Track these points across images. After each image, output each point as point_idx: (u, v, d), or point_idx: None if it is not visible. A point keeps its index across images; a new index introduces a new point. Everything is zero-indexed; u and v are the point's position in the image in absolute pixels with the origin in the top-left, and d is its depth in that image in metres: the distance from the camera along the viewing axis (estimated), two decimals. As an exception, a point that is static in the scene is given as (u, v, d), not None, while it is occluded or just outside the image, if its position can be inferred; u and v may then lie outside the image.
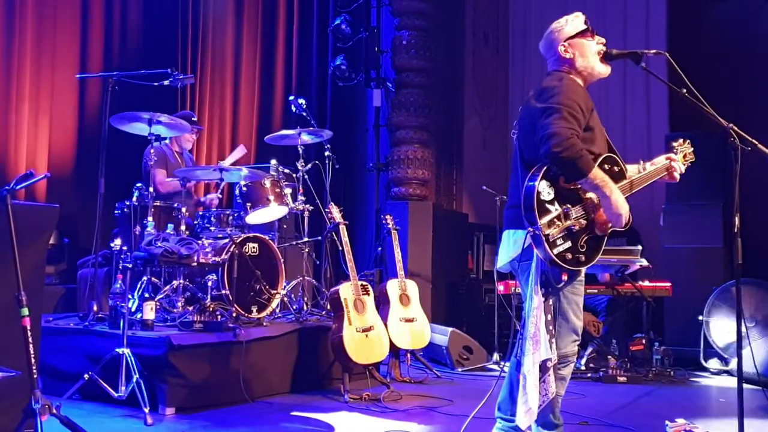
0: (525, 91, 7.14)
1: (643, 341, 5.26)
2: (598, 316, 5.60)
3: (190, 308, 4.33)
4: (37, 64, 5.75)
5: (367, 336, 4.35)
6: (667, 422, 3.46)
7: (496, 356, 5.56)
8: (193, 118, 5.39)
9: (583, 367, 5.13)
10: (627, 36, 6.84)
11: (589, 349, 5.34)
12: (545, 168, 2.54)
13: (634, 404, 4.30)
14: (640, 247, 5.25)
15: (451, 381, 4.98)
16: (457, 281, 6.87)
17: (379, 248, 6.56)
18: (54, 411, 2.53)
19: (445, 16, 7.56)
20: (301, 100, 5.51)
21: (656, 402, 4.42)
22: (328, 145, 5.49)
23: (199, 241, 4.46)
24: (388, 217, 5.40)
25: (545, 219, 2.49)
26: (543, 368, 2.54)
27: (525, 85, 7.50)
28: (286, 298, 4.91)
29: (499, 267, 2.82)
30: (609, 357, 5.14)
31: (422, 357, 5.21)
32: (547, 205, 2.52)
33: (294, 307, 4.97)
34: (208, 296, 4.34)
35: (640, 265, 5.23)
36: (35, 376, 2.52)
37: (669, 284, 5.31)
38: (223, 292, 4.33)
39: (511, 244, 2.68)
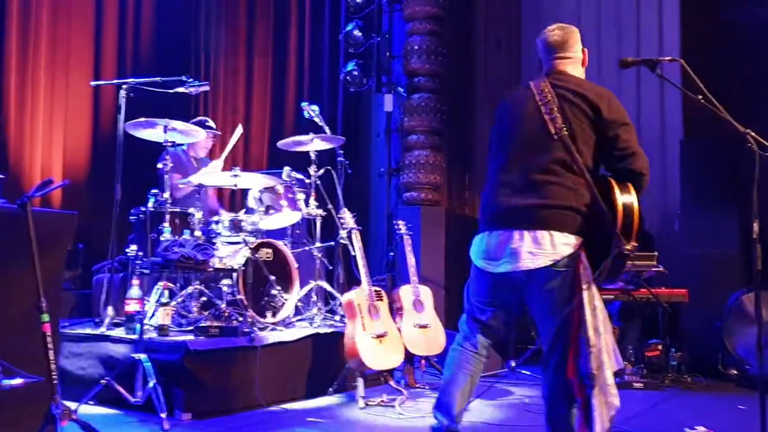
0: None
1: (659, 347, 5.22)
2: (612, 321, 5.57)
3: (206, 313, 4.35)
4: (51, 71, 5.79)
5: (381, 342, 4.34)
6: (686, 429, 3.44)
7: (513, 363, 5.52)
8: (207, 124, 5.40)
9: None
10: (641, 42, 6.81)
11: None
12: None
13: (652, 411, 4.26)
14: (656, 253, 5.23)
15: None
16: (471, 287, 6.83)
17: (391, 253, 6.55)
18: (74, 416, 2.54)
19: (457, 20, 7.56)
20: (314, 106, 5.52)
21: (674, 409, 4.39)
22: (341, 151, 5.50)
23: (214, 246, 4.47)
24: (400, 222, 5.39)
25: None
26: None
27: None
28: (299, 303, 4.92)
29: (530, 267, 2.56)
30: (625, 363, 5.11)
31: (437, 363, 5.19)
32: None
33: (307, 313, 4.97)
34: (224, 301, 4.36)
35: (656, 271, 5.20)
36: (55, 381, 2.53)
37: (685, 290, 5.28)
38: (238, 297, 4.34)
39: (559, 246, 2.53)
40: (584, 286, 2.53)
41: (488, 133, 2.98)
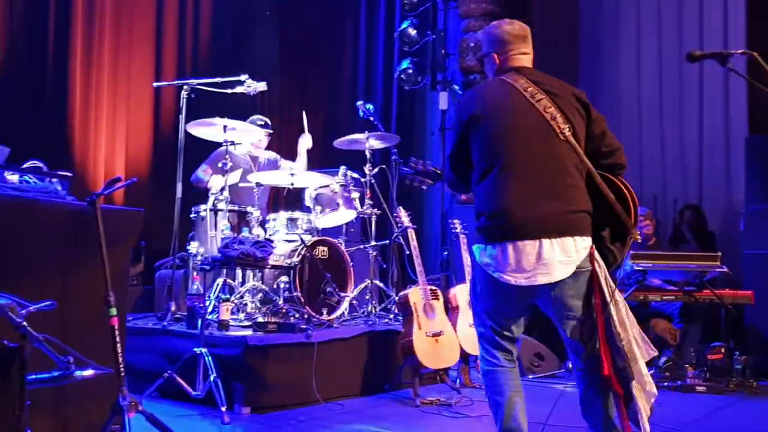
0: (594, 97, 6.97)
1: (722, 350, 5.06)
2: (672, 322, 5.43)
3: (264, 309, 4.41)
4: (114, 75, 5.97)
5: (437, 341, 4.33)
6: (754, 435, 3.33)
7: (570, 364, 5.42)
8: (259, 122, 5.38)
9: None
10: (704, 34, 6.60)
11: (664, 358, 5.18)
12: None
13: (716, 415, 4.14)
14: (719, 253, 5.07)
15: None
16: (525, 286, 6.73)
17: (445, 252, 6.52)
18: (140, 408, 2.61)
19: (513, 18, 7.44)
20: (369, 105, 5.53)
21: (740, 414, 4.24)
22: (395, 149, 5.50)
23: (272, 244, 4.53)
24: (456, 221, 5.35)
25: None
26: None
27: (594, 90, 7.30)
28: (354, 301, 4.94)
29: (562, 277, 2.45)
30: (687, 366, 4.97)
31: (492, 363, 5.13)
32: None
33: (362, 311, 4.99)
34: (281, 298, 4.41)
35: (720, 272, 5.04)
36: (122, 374, 2.61)
37: (751, 292, 5.10)
38: (295, 293, 4.39)
39: (580, 251, 2.47)
40: (603, 283, 2.49)
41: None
